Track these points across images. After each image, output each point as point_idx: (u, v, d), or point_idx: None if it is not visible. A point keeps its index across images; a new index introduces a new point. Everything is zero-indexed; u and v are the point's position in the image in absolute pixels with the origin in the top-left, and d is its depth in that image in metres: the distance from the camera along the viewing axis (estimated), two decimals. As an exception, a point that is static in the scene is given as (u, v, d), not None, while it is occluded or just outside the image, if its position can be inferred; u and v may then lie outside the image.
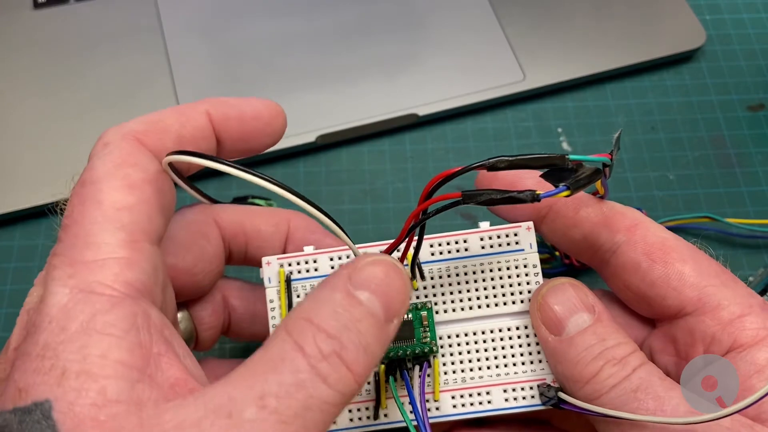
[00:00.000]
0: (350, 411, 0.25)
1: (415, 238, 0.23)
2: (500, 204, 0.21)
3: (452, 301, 0.25)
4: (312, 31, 0.45)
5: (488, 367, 0.25)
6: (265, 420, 0.18)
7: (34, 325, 0.19)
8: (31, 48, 0.44)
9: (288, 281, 0.26)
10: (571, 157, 0.21)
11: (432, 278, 0.26)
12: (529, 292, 0.25)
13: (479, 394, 0.25)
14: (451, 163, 0.42)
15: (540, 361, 0.25)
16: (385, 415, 0.25)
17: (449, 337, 0.25)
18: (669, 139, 0.43)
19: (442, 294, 0.25)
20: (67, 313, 0.19)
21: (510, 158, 0.21)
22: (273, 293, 0.26)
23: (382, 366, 0.24)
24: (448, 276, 0.26)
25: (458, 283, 0.25)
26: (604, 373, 0.22)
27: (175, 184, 0.24)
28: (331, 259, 0.26)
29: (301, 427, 0.18)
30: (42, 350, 0.19)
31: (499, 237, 0.26)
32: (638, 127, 0.44)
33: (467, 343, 0.25)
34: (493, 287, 0.25)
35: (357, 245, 0.25)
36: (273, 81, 0.43)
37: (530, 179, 0.25)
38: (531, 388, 0.25)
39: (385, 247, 0.24)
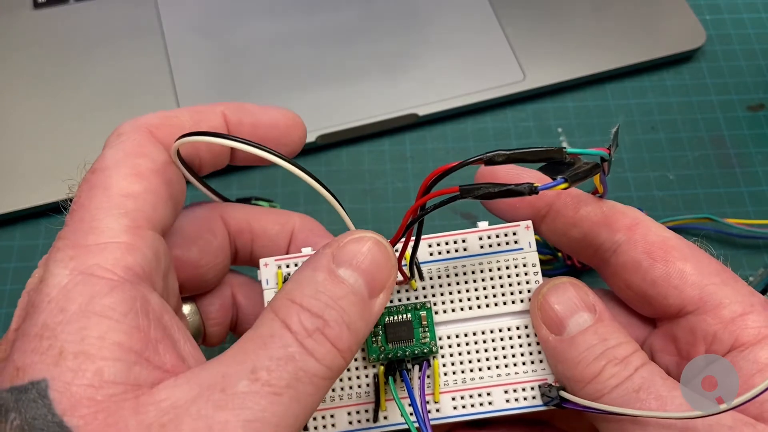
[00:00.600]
0: (349, 414, 0.25)
1: (413, 238, 0.23)
2: (498, 197, 0.20)
3: (451, 301, 0.25)
4: (312, 31, 0.45)
5: (488, 368, 0.25)
6: (258, 392, 0.18)
7: (34, 305, 0.20)
8: (31, 48, 0.44)
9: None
10: (569, 150, 0.21)
11: (431, 278, 0.25)
12: (529, 291, 0.25)
13: (480, 395, 0.25)
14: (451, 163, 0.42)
15: (541, 361, 0.25)
16: (385, 418, 0.25)
17: (449, 337, 0.25)
18: (669, 139, 0.43)
19: (441, 294, 0.25)
20: (66, 295, 0.19)
21: (507, 152, 0.21)
22: (271, 295, 0.25)
23: (381, 367, 0.24)
24: (447, 276, 0.25)
25: (457, 283, 0.25)
26: (606, 373, 0.22)
27: (187, 182, 0.25)
28: None
29: (293, 398, 0.19)
30: (41, 330, 0.19)
31: (497, 236, 0.25)
32: (638, 127, 0.44)
33: (467, 344, 0.25)
34: (493, 287, 0.25)
35: None
36: (273, 81, 0.43)
37: (529, 178, 0.25)
38: (532, 388, 0.24)
39: None
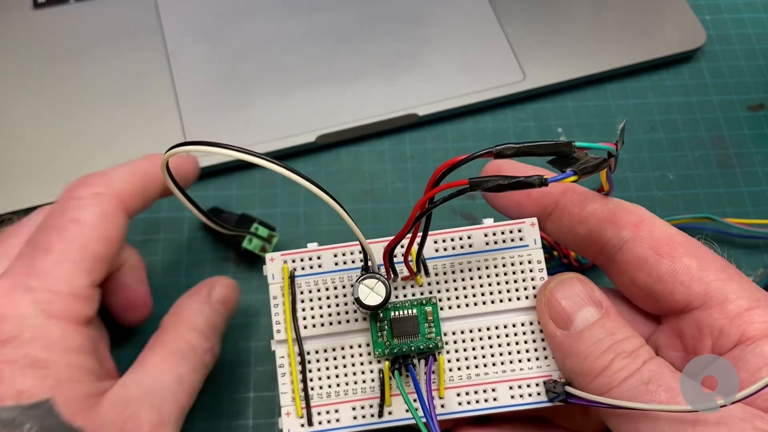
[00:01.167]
0: (354, 408, 0.25)
1: (419, 233, 0.23)
2: (508, 189, 0.20)
3: (457, 297, 0.25)
4: (312, 31, 0.45)
5: (493, 364, 0.25)
6: (184, 391, 0.29)
7: (17, 337, 0.26)
8: (31, 48, 0.44)
9: (292, 278, 0.26)
10: (578, 144, 0.21)
11: (436, 274, 0.26)
12: (534, 287, 0.25)
13: (485, 390, 0.25)
14: None
15: (546, 357, 0.25)
16: (390, 413, 0.25)
17: (454, 333, 0.25)
18: (669, 139, 0.43)
19: (447, 290, 0.25)
20: (47, 333, 0.27)
21: (517, 145, 0.21)
22: (276, 289, 0.26)
23: (387, 362, 0.24)
24: (453, 272, 0.26)
25: (463, 279, 0.25)
26: (614, 366, 0.22)
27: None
28: (335, 256, 0.26)
29: (195, 390, 0.30)
30: (33, 362, 0.26)
31: (503, 233, 0.26)
32: (638, 127, 0.44)
33: (472, 340, 0.25)
34: (498, 283, 0.25)
35: (352, 242, 0.26)
36: (273, 81, 0.43)
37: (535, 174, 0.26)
38: (537, 384, 0.25)
39: (389, 240, 0.24)
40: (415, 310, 0.25)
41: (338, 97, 0.43)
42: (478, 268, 0.25)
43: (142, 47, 0.44)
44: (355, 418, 0.25)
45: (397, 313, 0.25)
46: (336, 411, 0.25)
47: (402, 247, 0.24)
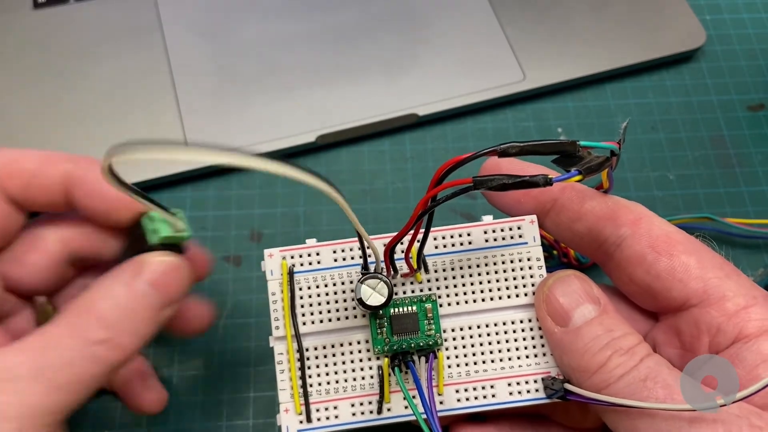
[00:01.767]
0: (353, 405, 0.25)
1: (422, 230, 0.23)
2: (513, 188, 0.21)
3: (456, 294, 0.26)
4: (312, 31, 0.45)
5: (492, 361, 0.25)
6: (44, 389, 0.23)
7: None
8: (31, 48, 0.44)
9: (290, 274, 0.26)
10: (582, 143, 0.22)
11: (436, 271, 0.26)
12: (533, 285, 0.25)
13: (483, 387, 0.25)
14: None
15: (544, 354, 0.25)
16: (389, 410, 0.25)
17: (453, 330, 0.25)
18: (669, 139, 0.43)
19: (446, 287, 0.26)
20: None
21: (521, 144, 0.21)
22: (275, 285, 0.26)
23: (386, 359, 0.24)
24: (452, 269, 0.26)
25: (462, 276, 0.26)
26: (612, 363, 0.23)
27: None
28: (334, 252, 0.26)
29: (70, 389, 0.24)
30: None
31: (502, 230, 0.26)
32: (638, 127, 0.44)
33: (471, 336, 0.25)
34: (497, 280, 0.26)
35: (351, 239, 0.26)
36: (273, 81, 0.43)
37: (535, 173, 0.26)
38: (535, 381, 0.25)
39: (389, 237, 0.24)
40: (414, 307, 0.25)
41: (338, 97, 0.43)
42: (478, 266, 0.26)
43: (142, 47, 0.44)
44: (354, 414, 0.25)
45: (396, 310, 0.25)
46: (335, 408, 0.25)
47: (402, 244, 0.24)
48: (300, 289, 0.26)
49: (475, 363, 0.25)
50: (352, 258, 0.26)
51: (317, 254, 0.26)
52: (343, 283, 0.26)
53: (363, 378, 0.25)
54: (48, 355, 0.24)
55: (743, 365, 0.22)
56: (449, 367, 0.25)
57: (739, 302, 0.23)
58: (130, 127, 0.42)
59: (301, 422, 0.25)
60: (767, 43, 0.47)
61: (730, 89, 0.45)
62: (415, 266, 0.25)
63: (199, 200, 0.41)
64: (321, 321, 0.26)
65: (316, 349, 0.25)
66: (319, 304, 0.26)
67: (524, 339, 0.25)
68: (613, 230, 0.25)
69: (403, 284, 0.26)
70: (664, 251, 0.24)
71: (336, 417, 0.25)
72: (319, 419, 0.25)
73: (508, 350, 0.25)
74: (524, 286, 0.25)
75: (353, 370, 0.25)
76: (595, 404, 0.23)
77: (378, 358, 0.25)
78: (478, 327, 0.25)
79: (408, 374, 0.25)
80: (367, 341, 0.25)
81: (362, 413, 0.25)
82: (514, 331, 0.25)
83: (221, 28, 0.45)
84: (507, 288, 0.26)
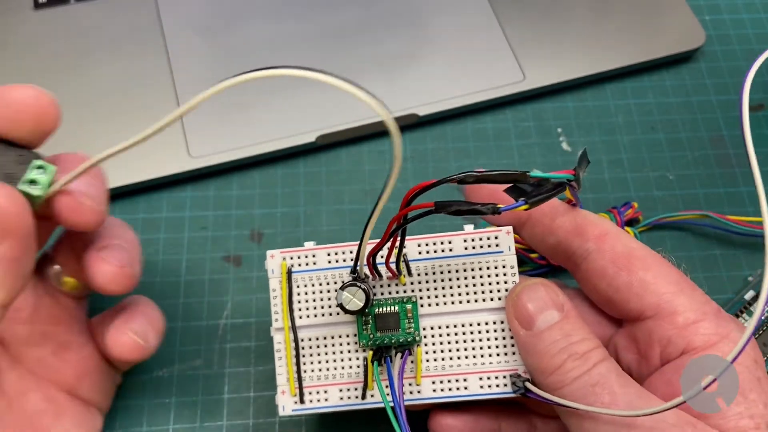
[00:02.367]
0: (341, 390, 0.29)
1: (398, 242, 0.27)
2: (466, 215, 0.24)
3: (436, 296, 0.29)
4: (312, 31, 0.46)
5: (466, 357, 0.29)
6: None
7: None
8: (31, 48, 0.46)
9: (289, 273, 0.29)
10: (533, 174, 0.25)
11: (419, 274, 0.29)
12: (506, 290, 0.29)
13: (457, 380, 0.29)
14: (451, 163, 0.43)
15: (513, 353, 0.29)
16: (372, 396, 0.29)
17: (432, 328, 0.29)
18: (669, 139, 0.44)
19: (427, 289, 0.29)
20: None
21: (477, 174, 0.24)
22: (275, 283, 0.30)
23: (371, 352, 0.29)
24: (434, 273, 0.29)
25: (442, 280, 0.29)
26: (566, 366, 0.25)
27: None
28: (329, 255, 0.30)
29: None
30: None
31: (480, 239, 0.29)
32: (638, 127, 0.44)
33: (448, 335, 0.29)
34: (474, 285, 0.29)
35: (344, 243, 0.29)
36: (273, 81, 0.43)
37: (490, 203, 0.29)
38: (504, 377, 0.28)
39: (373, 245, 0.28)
40: (396, 307, 0.29)
41: (338, 97, 0.43)
42: (457, 271, 0.29)
43: (143, 48, 0.45)
44: (341, 399, 0.29)
45: (380, 309, 0.29)
46: (325, 392, 0.29)
47: (382, 256, 0.28)
48: (297, 287, 0.30)
49: (450, 358, 0.29)
50: (345, 261, 0.30)
51: (313, 256, 0.30)
52: (335, 283, 0.30)
53: (350, 367, 0.29)
54: None
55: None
56: (427, 361, 0.29)
57: (689, 317, 0.26)
58: (131, 127, 0.42)
59: (295, 403, 0.29)
60: (767, 44, 0.47)
61: (730, 89, 0.46)
62: (397, 272, 0.28)
63: (199, 200, 0.42)
64: (315, 315, 0.30)
65: (310, 340, 0.30)
66: (314, 300, 0.30)
67: (496, 339, 0.29)
68: (580, 244, 0.28)
69: (389, 286, 0.29)
70: (624, 267, 0.27)
71: (326, 400, 0.29)
72: (311, 401, 0.29)
73: (481, 348, 0.29)
74: (498, 291, 0.29)
75: (342, 360, 0.29)
76: (549, 403, 0.26)
77: (363, 351, 0.29)
78: (455, 326, 0.29)
79: (384, 367, 0.29)
80: (354, 335, 0.29)
81: (348, 398, 0.29)
82: (487, 332, 0.29)
83: (221, 29, 0.46)
84: (483, 292, 0.29)
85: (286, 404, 0.29)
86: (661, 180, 0.44)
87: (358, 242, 0.27)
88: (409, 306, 0.29)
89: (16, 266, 0.25)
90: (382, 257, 0.28)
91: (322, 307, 0.29)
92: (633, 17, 0.48)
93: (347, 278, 0.29)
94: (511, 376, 0.28)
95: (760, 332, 0.37)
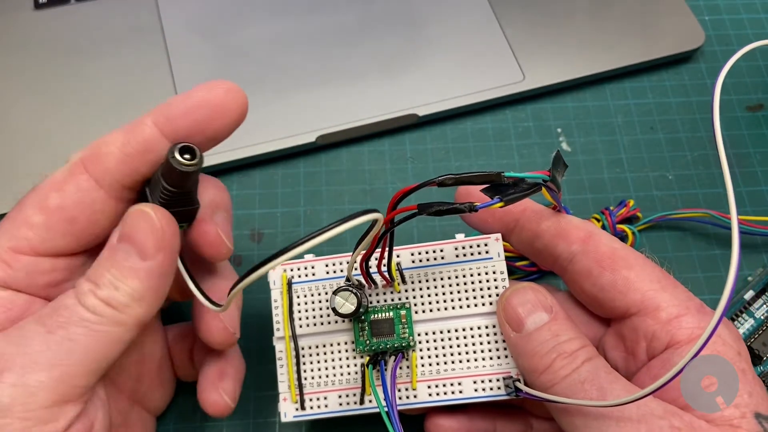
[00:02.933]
0: (340, 396, 0.30)
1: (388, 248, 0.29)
2: (446, 214, 0.25)
3: (429, 302, 0.30)
4: (312, 31, 0.46)
5: (460, 361, 0.30)
6: (38, 332, 0.25)
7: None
8: (31, 48, 0.46)
9: (289, 284, 0.30)
10: (507, 174, 0.26)
11: (412, 282, 0.30)
12: (497, 295, 0.30)
13: (452, 384, 0.29)
14: (451, 163, 0.43)
15: (506, 356, 0.30)
16: (370, 401, 0.30)
17: (426, 333, 0.30)
18: (668, 139, 0.44)
19: (421, 296, 0.30)
20: None
21: (455, 176, 0.25)
22: (277, 294, 0.31)
23: (367, 358, 0.30)
24: (427, 280, 0.30)
25: (435, 287, 0.30)
26: (556, 365, 0.27)
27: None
28: (326, 266, 0.31)
29: (64, 337, 0.25)
30: None
31: (471, 247, 0.30)
32: (637, 127, 0.44)
33: (442, 340, 0.30)
34: (465, 290, 0.30)
35: (341, 254, 0.30)
36: (273, 81, 0.44)
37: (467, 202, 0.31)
38: (498, 379, 0.29)
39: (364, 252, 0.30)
40: (391, 314, 0.30)
41: (338, 97, 0.43)
42: (449, 277, 0.30)
43: (143, 47, 0.46)
44: (340, 404, 0.30)
45: (376, 315, 0.30)
46: (325, 398, 0.30)
47: (375, 261, 0.29)
48: (297, 297, 0.31)
49: (444, 363, 0.30)
50: (342, 271, 0.31)
51: (312, 267, 0.31)
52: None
53: (349, 373, 0.30)
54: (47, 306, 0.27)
55: (672, 368, 0.27)
56: (422, 365, 0.30)
57: (672, 312, 0.27)
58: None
59: (297, 409, 0.30)
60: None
61: (729, 90, 0.46)
62: (390, 279, 0.30)
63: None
64: (314, 324, 0.31)
65: (310, 348, 0.31)
66: (313, 309, 0.31)
67: (488, 342, 0.30)
68: (565, 247, 0.29)
69: (384, 293, 0.30)
70: (607, 266, 0.28)
71: (326, 406, 0.30)
72: (311, 407, 0.30)
73: (474, 352, 0.30)
74: (489, 296, 0.30)
75: (340, 367, 0.30)
76: (540, 401, 0.27)
77: (361, 357, 0.30)
78: (448, 331, 0.30)
79: (386, 371, 0.30)
80: (351, 342, 0.30)
81: (347, 403, 0.30)
82: (480, 336, 0.30)
83: (221, 28, 0.46)
84: (474, 297, 0.30)
85: (288, 411, 0.31)
86: (660, 180, 0.44)
87: (342, 254, 0.29)
88: (403, 312, 0.30)
89: (160, 283, 0.27)
90: (382, 264, 0.29)
91: (321, 316, 0.31)
92: (632, 18, 0.49)
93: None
94: (504, 378, 0.29)
95: (760, 332, 0.37)
